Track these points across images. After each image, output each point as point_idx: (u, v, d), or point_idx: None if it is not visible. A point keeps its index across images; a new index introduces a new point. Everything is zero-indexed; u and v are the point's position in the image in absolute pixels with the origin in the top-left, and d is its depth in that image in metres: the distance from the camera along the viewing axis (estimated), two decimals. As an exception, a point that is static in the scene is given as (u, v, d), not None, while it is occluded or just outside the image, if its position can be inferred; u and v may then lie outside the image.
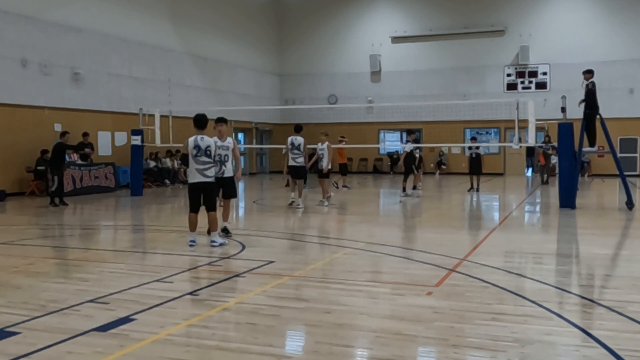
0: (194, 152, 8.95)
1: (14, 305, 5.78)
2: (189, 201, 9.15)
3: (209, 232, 9.53)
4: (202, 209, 9.16)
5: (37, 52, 18.94)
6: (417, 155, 21.29)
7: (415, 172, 18.29)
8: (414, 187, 18.23)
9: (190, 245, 9.00)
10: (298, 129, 14.76)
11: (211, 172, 9.04)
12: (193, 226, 9.13)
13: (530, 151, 28.98)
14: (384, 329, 5.00)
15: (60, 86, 19.83)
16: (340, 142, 22.01)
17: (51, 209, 14.95)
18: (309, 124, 27.86)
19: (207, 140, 9.02)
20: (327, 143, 15.58)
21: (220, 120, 9.75)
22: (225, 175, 9.70)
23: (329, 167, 15.53)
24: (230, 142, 9.73)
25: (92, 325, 5.10)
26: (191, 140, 9.00)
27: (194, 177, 9.02)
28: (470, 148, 19.90)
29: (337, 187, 20.20)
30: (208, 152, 8.95)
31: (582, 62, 24.07)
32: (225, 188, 9.86)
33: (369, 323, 5.19)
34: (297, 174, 14.61)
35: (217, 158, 9.32)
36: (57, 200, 15.48)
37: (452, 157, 30.60)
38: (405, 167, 17.86)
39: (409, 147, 17.94)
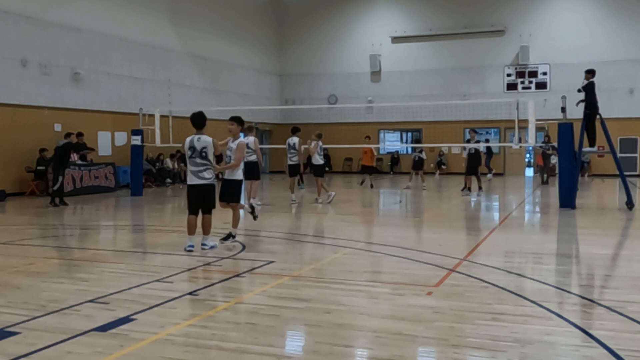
0: (189, 153, 8.55)
1: (14, 305, 5.78)
2: (187, 203, 8.84)
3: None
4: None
5: (37, 52, 18.92)
6: (424, 157, 21.34)
7: (476, 173, 18.19)
8: (480, 188, 18.32)
9: (189, 251, 8.61)
10: (294, 130, 16.33)
11: (209, 174, 8.61)
12: (191, 229, 8.69)
13: (489, 151, 26.60)
14: (384, 329, 5.00)
15: (60, 86, 19.82)
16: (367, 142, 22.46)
17: (51, 209, 14.95)
18: (308, 124, 27.90)
19: (205, 140, 8.54)
20: (314, 143, 16.20)
21: (231, 119, 9.23)
22: (226, 177, 9.29)
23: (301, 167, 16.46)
24: (235, 144, 9.27)
25: (92, 325, 5.10)
26: (187, 140, 8.62)
27: (190, 179, 8.66)
28: (469, 141, 18.84)
29: (372, 187, 21.31)
30: (204, 154, 8.50)
31: (582, 62, 24.09)
32: (222, 190, 9.32)
33: (369, 323, 5.19)
34: (293, 171, 16.12)
35: (226, 159, 9.13)
36: (57, 200, 15.47)
37: (452, 157, 30.57)
38: (469, 167, 18.08)
39: (481, 146, 18.33)
